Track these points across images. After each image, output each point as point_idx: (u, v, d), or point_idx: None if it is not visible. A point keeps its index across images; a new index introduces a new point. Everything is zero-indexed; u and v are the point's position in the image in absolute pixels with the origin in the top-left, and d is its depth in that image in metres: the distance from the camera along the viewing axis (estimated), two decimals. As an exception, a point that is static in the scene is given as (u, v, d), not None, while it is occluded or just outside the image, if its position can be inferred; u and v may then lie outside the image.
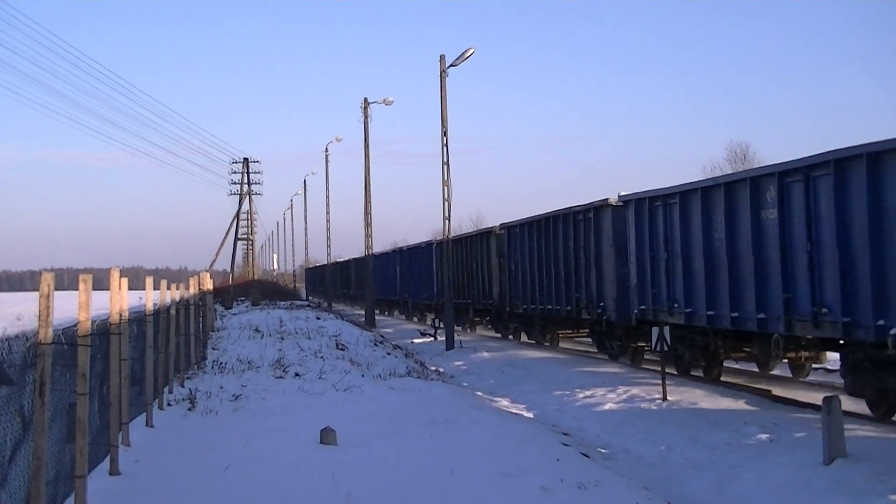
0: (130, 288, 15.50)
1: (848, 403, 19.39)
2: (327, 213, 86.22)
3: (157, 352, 19.22)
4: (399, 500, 12.33)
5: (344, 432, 16.57)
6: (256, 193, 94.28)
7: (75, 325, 10.95)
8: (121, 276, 14.30)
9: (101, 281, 15.01)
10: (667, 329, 23.35)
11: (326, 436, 16.27)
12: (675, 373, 26.83)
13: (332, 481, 12.97)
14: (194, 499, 12.32)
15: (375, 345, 37.93)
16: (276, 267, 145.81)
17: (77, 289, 10.93)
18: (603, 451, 18.36)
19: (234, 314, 63.81)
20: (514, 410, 23.12)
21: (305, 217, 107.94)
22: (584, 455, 16.90)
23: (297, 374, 26.07)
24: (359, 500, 12.20)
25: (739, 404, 21.35)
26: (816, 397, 21.15)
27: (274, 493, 12.63)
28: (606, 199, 31.38)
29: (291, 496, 12.44)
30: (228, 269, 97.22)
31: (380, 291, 73.73)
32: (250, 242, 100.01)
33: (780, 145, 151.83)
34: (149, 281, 18.66)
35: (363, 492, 12.58)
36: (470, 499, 12.52)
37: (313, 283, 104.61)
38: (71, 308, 11.53)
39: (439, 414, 19.86)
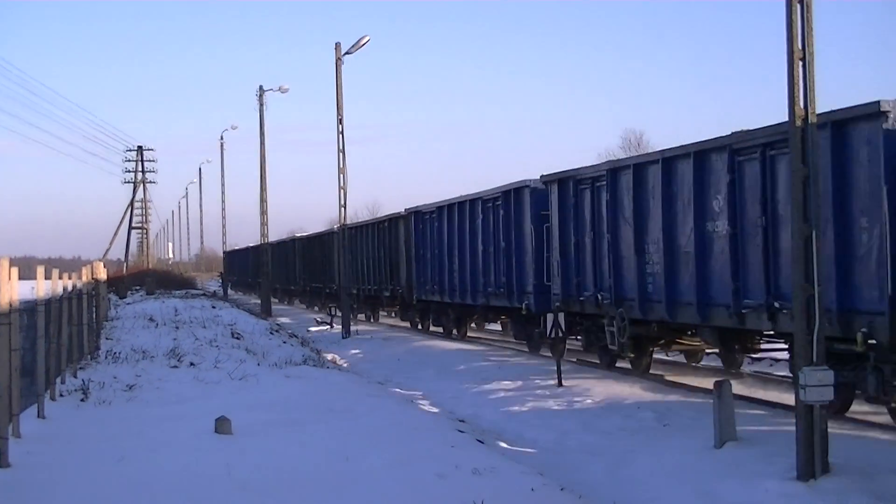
0: (22, 277, 15.23)
1: (740, 388, 19.74)
2: (222, 201, 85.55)
3: (49, 342, 18.93)
4: (295, 488, 12.31)
5: (239, 421, 16.46)
6: (151, 182, 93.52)
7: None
8: (11, 266, 14.07)
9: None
10: (561, 315, 23.55)
11: (221, 425, 16.17)
12: (598, 363, 26.11)
13: (226, 470, 12.92)
14: (87, 489, 12.17)
15: (272, 334, 37.80)
16: (171, 256, 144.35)
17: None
18: (498, 437, 18.48)
19: (129, 304, 63.10)
20: (410, 398, 23.19)
21: (200, 205, 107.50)
22: (480, 441, 17.01)
23: (192, 364, 25.87)
24: (254, 488, 12.17)
25: (634, 390, 21.59)
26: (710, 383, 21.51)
27: (169, 482, 12.52)
28: (526, 181, 29.80)
29: (186, 486, 12.33)
30: (123, 259, 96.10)
31: (279, 280, 73.50)
32: (145, 231, 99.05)
33: (672, 132, 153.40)
34: (40, 270, 18.41)
35: (259, 480, 12.55)
36: (366, 486, 12.55)
37: (241, 270, 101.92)
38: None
39: (336, 402, 19.87)
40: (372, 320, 51.41)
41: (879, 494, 12.38)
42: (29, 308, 16.91)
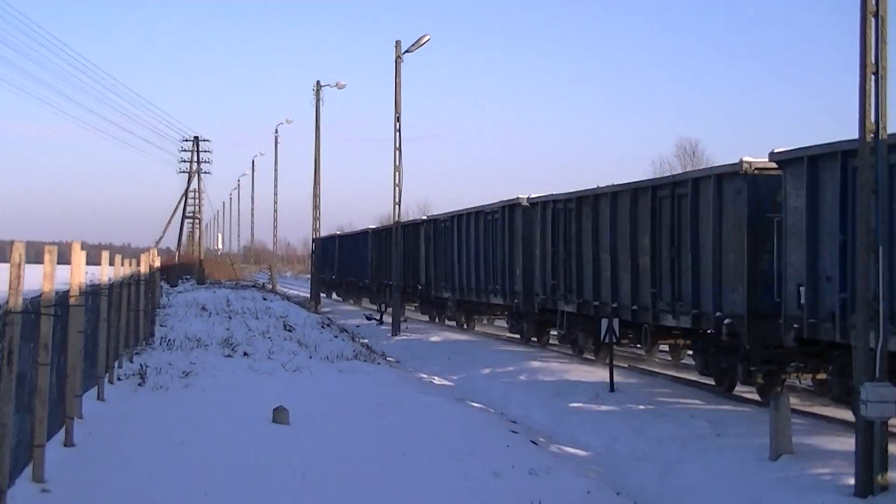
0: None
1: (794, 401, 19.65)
2: (275, 194, 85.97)
3: (110, 326, 19.19)
4: (353, 480, 12.44)
5: (295, 412, 16.62)
6: (206, 172, 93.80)
7: (38, 296, 10.96)
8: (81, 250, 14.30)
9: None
10: (616, 321, 23.65)
11: (279, 415, 16.34)
12: (571, 353, 30.24)
13: (287, 460, 13.06)
14: (149, 472, 12.35)
15: (322, 327, 38.05)
16: (220, 246, 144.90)
17: (13, 261, 10.77)
18: (550, 439, 18.56)
19: (180, 292, 63.63)
20: (460, 396, 23.28)
21: (252, 198, 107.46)
22: (533, 442, 17.09)
23: (245, 354, 26.13)
24: (314, 478, 12.31)
25: (686, 398, 21.55)
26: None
27: (229, 469, 12.69)
28: (517, 199, 34.31)
29: (248, 472, 12.50)
30: (173, 247, 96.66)
31: (320, 273, 74.02)
32: (198, 221, 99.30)
33: (728, 142, 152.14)
34: (104, 255, 18.69)
35: (318, 471, 12.69)
36: (423, 481, 12.66)
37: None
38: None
39: (388, 396, 20.00)
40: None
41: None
42: (93, 292, 17.14)
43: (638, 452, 17.36)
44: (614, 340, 23.61)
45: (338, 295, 74.72)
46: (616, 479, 15.35)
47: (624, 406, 20.91)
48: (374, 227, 59.58)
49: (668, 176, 24.66)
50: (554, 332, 32.63)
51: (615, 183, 27.02)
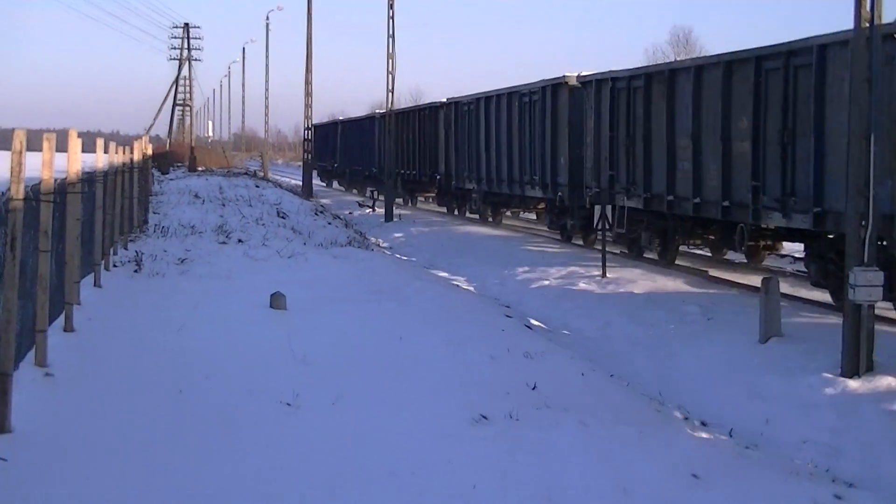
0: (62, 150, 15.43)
1: (785, 287, 19.88)
2: (266, 81, 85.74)
3: (105, 213, 19.26)
4: (354, 365, 12.60)
5: (292, 298, 16.77)
6: (196, 60, 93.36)
7: (38, 184, 11.03)
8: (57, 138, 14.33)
9: (35, 142, 14.93)
10: (609, 208, 23.56)
11: (276, 300, 16.50)
12: (627, 253, 26.95)
13: (287, 344, 13.23)
14: (151, 357, 12.51)
15: (316, 214, 38.13)
16: (210, 134, 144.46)
17: (14, 148, 10.81)
18: (544, 325, 18.79)
19: (172, 180, 63.60)
20: (456, 283, 23.48)
21: (243, 85, 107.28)
22: (528, 327, 17.31)
23: (240, 241, 26.20)
24: (314, 362, 12.47)
25: (678, 284, 21.74)
26: (756, 280, 21.68)
27: (231, 353, 12.85)
28: (563, 77, 30.39)
29: (249, 357, 12.68)
30: (164, 135, 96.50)
31: (319, 161, 73.52)
32: (188, 109, 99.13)
33: (721, 31, 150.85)
34: (100, 143, 18.71)
35: (318, 355, 12.84)
36: (423, 365, 12.82)
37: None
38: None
39: (384, 283, 20.19)
40: (410, 204, 51.45)
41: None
42: (90, 179, 17.20)
43: (631, 337, 17.68)
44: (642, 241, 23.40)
45: (340, 184, 73.56)
46: (610, 363, 15.60)
47: (616, 292, 21.14)
48: (381, 111, 55.16)
49: (781, 43, 19.55)
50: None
51: (694, 56, 23.65)
